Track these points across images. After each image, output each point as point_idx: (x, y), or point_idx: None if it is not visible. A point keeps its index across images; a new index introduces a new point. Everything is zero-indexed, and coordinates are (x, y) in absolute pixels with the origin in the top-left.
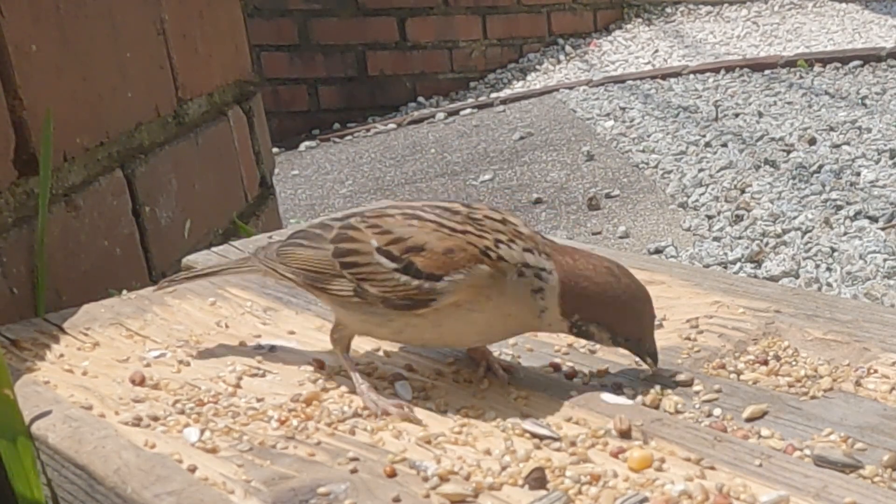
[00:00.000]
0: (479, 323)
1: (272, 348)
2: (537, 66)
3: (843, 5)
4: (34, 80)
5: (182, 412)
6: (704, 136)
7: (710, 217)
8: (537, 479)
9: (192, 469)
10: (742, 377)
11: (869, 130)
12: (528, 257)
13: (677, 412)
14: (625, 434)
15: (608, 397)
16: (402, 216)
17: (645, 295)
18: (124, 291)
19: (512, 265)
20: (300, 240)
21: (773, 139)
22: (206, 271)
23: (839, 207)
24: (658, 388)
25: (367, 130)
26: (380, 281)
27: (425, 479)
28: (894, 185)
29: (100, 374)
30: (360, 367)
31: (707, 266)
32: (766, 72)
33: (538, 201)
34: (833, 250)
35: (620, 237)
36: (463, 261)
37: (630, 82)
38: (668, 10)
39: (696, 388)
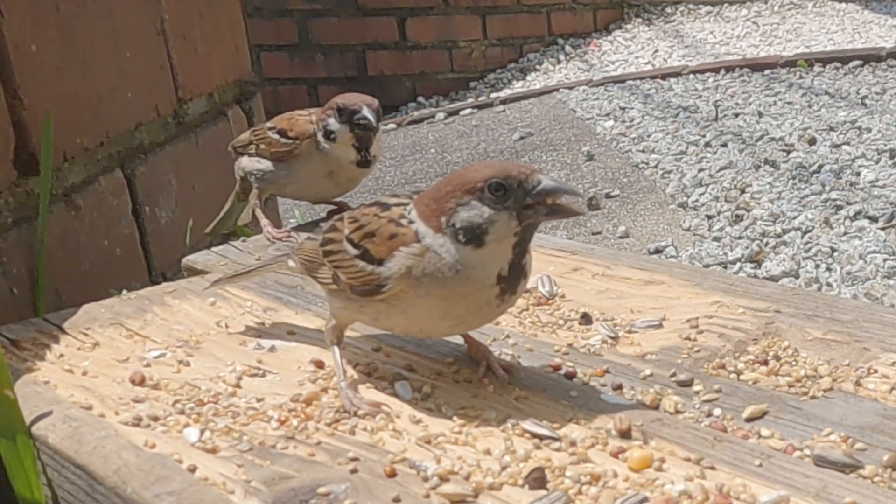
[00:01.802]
0: (437, 308)
1: (272, 348)
2: (537, 66)
3: (843, 5)
4: (34, 80)
5: (182, 412)
6: (704, 136)
7: (710, 217)
8: (537, 479)
9: (192, 469)
10: (742, 377)
11: (869, 130)
12: (403, 211)
13: (677, 412)
14: (625, 434)
15: (608, 397)
16: (368, 205)
17: (492, 161)
18: (124, 291)
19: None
20: (313, 234)
21: (773, 139)
22: (245, 271)
23: (839, 207)
24: (658, 387)
25: None
26: (346, 268)
27: (425, 479)
28: (894, 185)
29: (100, 374)
30: (360, 368)
31: (707, 266)
32: (766, 72)
33: None
34: (833, 250)
35: (620, 237)
36: (402, 242)
37: (630, 82)
38: (668, 10)
39: (696, 388)
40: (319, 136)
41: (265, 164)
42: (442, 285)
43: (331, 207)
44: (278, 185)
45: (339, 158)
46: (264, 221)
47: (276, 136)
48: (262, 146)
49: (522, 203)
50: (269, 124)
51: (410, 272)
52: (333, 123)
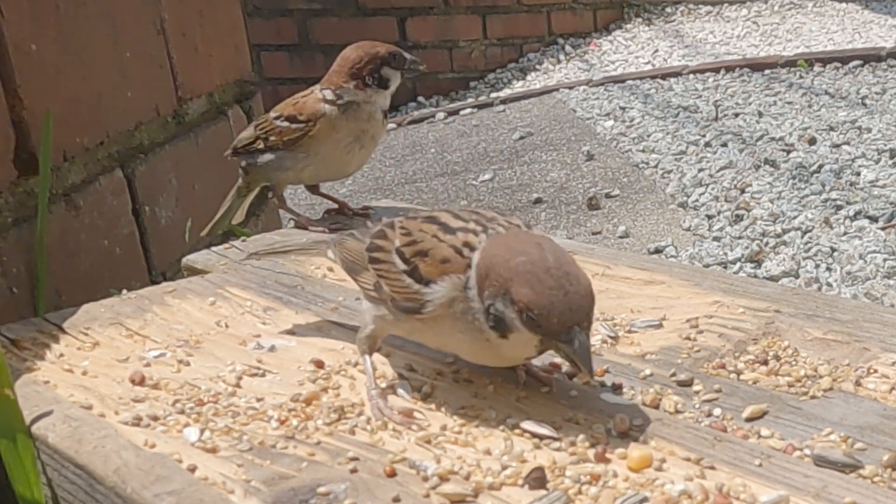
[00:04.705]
0: (468, 349)
1: (272, 348)
2: (537, 66)
3: (843, 5)
4: (34, 79)
5: (182, 412)
6: (704, 135)
7: (710, 217)
8: (537, 479)
9: (192, 469)
10: (742, 377)
11: (869, 130)
12: (471, 240)
13: (677, 412)
14: (625, 434)
15: (608, 397)
16: (422, 219)
17: (569, 274)
18: (124, 291)
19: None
20: (357, 233)
21: (773, 139)
22: (282, 248)
23: (839, 207)
24: (658, 387)
25: None
26: (391, 280)
27: (425, 479)
28: (894, 185)
29: (100, 373)
30: (360, 367)
31: (707, 266)
32: (766, 72)
33: (538, 201)
34: (833, 250)
35: (620, 237)
36: (452, 270)
37: (630, 82)
38: (668, 9)
39: (696, 388)
40: (352, 96)
41: (279, 155)
42: (473, 336)
43: (331, 205)
44: (296, 171)
45: (375, 111)
46: (303, 218)
47: (286, 124)
48: (273, 138)
49: (549, 338)
50: (273, 114)
51: (452, 304)
52: (389, 71)
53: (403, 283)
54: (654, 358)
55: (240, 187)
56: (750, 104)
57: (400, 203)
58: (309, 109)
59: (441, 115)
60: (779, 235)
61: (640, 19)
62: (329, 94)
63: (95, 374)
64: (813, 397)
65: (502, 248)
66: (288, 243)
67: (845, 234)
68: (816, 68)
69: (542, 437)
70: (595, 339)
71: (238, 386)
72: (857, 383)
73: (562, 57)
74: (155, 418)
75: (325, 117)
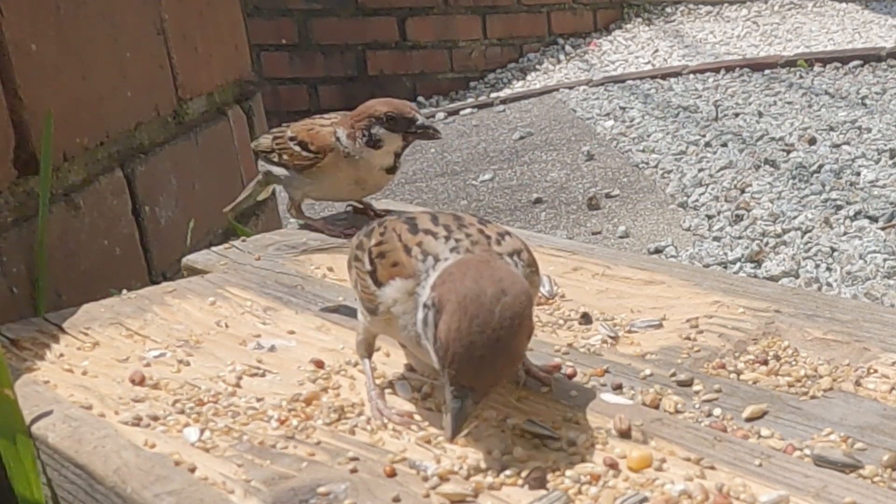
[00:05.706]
0: (412, 342)
1: (272, 348)
2: (537, 66)
3: (843, 5)
4: (34, 80)
5: (182, 412)
6: (704, 135)
7: (710, 217)
8: (537, 479)
9: (192, 469)
10: (742, 377)
11: (869, 130)
12: (429, 244)
13: (677, 412)
14: (625, 434)
15: (608, 397)
16: (403, 219)
17: (500, 340)
18: (124, 291)
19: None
20: (363, 230)
21: (773, 139)
22: (323, 246)
23: (839, 207)
24: (658, 387)
25: None
26: (362, 279)
27: (425, 479)
28: (894, 185)
29: (100, 373)
30: (360, 367)
31: (707, 266)
32: (766, 72)
33: (538, 201)
34: (833, 250)
35: (620, 237)
36: (399, 274)
37: (630, 82)
38: (668, 9)
39: (696, 388)
40: (349, 147)
41: (291, 173)
42: (415, 339)
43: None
44: (304, 191)
45: (371, 166)
46: (318, 222)
47: (298, 149)
48: (286, 157)
49: (443, 376)
50: (290, 133)
51: (395, 305)
52: (381, 132)
53: (366, 284)
54: (654, 358)
55: (259, 181)
56: (750, 104)
57: (400, 203)
58: (320, 141)
59: (441, 115)
60: (779, 235)
61: (640, 19)
62: (341, 134)
63: (95, 374)
64: (813, 397)
65: (470, 273)
66: (329, 241)
67: (845, 234)
68: (816, 68)
69: (542, 437)
70: (595, 339)
71: (238, 386)
72: (857, 383)
73: (562, 57)
74: (155, 418)
75: (335, 152)
